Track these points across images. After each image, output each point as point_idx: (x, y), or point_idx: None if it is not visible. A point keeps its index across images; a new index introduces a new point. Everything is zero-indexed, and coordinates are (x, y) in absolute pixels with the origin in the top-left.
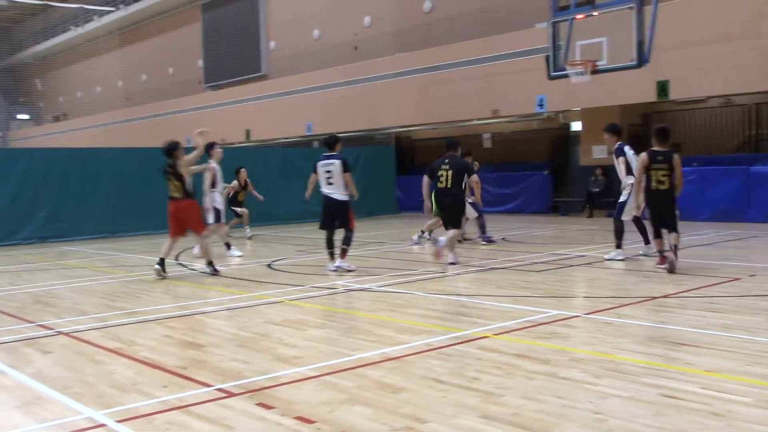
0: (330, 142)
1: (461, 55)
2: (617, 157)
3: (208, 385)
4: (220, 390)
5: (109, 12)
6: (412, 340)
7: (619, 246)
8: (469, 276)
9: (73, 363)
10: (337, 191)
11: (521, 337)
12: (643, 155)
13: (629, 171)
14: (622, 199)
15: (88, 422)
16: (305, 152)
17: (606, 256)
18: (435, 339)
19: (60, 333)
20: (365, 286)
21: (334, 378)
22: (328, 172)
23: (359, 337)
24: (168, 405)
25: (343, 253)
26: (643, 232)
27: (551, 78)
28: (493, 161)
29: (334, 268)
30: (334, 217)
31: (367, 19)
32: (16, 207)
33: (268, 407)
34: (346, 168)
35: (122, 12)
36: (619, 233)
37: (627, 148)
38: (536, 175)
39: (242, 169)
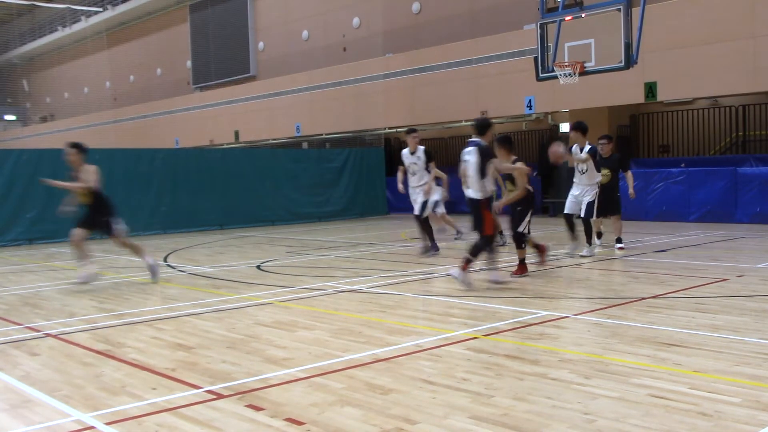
0: (480, 125)
1: (450, 57)
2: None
3: (198, 387)
4: (209, 392)
5: (96, 12)
6: (401, 341)
7: (589, 242)
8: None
9: (62, 365)
10: (470, 186)
11: (511, 337)
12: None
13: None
14: (590, 199)
15: (76, 425)
16: (294, 153)
17: (580, 253)
18: (425, 340)
19: (48, 335)
20: (355, 287)
21: (323, 379)
22: (465, 161)
23: (349, 338)
24: (157, 407)
25: (465, 263)
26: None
27: (540, 79)
28: None
29: (453, 275)
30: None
31: (356, 20)
32: (3, 208)
33: (257, 409)
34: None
35: (110, 12)
36: (588, 231)
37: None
38: None
39: None
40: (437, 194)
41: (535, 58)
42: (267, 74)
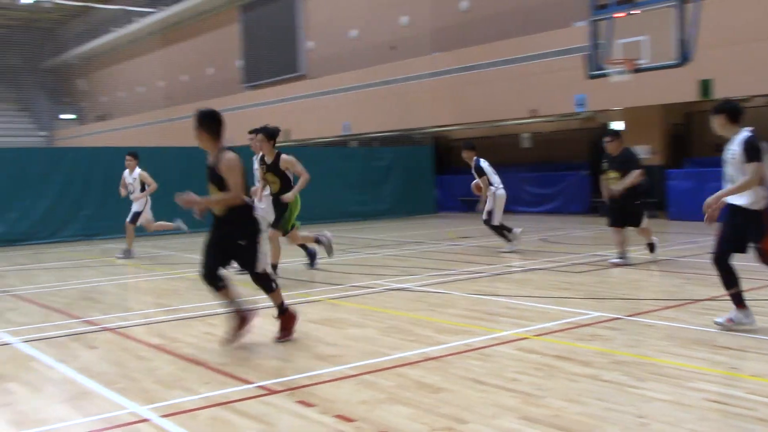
0: (729, 110)
1: (498, 55)
2: (479, 173)
3: (250, 382)
4: (261, 387)
5: (150, 13)
6: (451, 340)
7: (509, 240)
8: (508, 276)
9: (118, 358)
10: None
11: (562, 338)
12: None
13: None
14: (489, 207)
15: (132, 417)
16: (342, 151)
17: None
18: (474, 339)
19: (105, 329)
20: (403, 285)
21: (373, 377)
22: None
23: (398, 336)
24: (210, 401)
25: (736, 301)
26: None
27: (590, 77)
28: (531, 161)
29: (729, 321)
30: (742, 234)
31: (404, 19)
32: (62, 205)
33: (308, 405)
34: (751, 155)
35: (163, 13)
36: (500, 231)
37: (483, 162)
38: (575, 175)
39: None
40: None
41: (586, 56)
42: (316, 73)
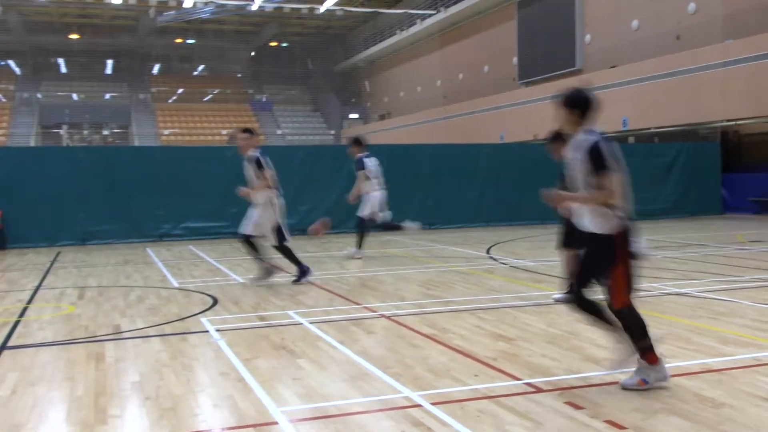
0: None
1: None
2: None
3: (517, 379)
4: (528, 384)
5: (431, 15)
6: (737, 352)
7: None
8: None
9: (394, 345)
10: None
11: None
12: None
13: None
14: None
15: (406, 401)
16: (620, 148)
17: None
18: (764, 354)
19: (382, 316)
20: (683, 290)
21: None
22: None
23: (676, 344)
24: (478, 393)
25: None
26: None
27: None
28: None
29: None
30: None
31: (692, 6)
32: (345, 199)
33: (576, 407)
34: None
35: (443, 14)
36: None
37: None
38: None
39: None
40: None
41: None
42: (593, 67)
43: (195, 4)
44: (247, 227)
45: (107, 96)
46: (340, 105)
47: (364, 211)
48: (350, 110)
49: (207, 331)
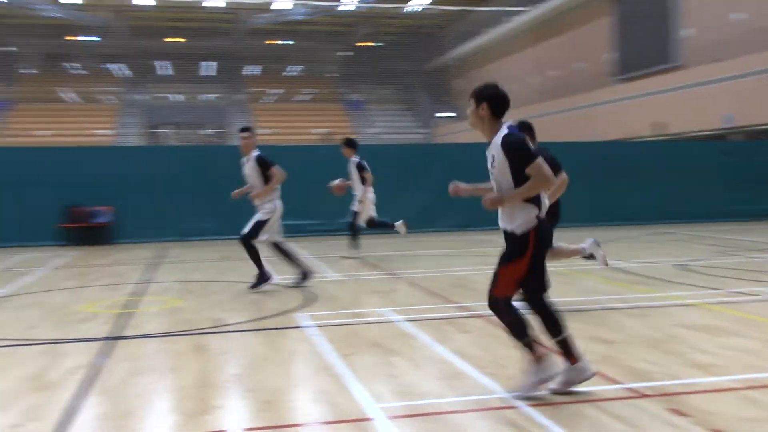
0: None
1: None
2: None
3: (618, 383)
4: (629, 389)
5: (523, 12)
6: None
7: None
8: None
9: (488, 345)
10: None
11: None
12: None
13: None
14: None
15: (500, 402)
16: (723, 146)
17: None
18: None
19: (476, 315)
20: None
21: (757, 393)
22: None
23: None
24: (577, 397)
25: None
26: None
27: None
28: None
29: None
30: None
31: None
32: (440, 197)
33: (681, 414)
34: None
35: (535, 11)
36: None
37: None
38: None
39: None
40: None
41: None
42: (693, 63)
43: (289, 6)
44: (262, 235)
45: (205, 97)
46: (431, 103)
47: (370, 213)
48: (442, 109)
49: (304, 327)
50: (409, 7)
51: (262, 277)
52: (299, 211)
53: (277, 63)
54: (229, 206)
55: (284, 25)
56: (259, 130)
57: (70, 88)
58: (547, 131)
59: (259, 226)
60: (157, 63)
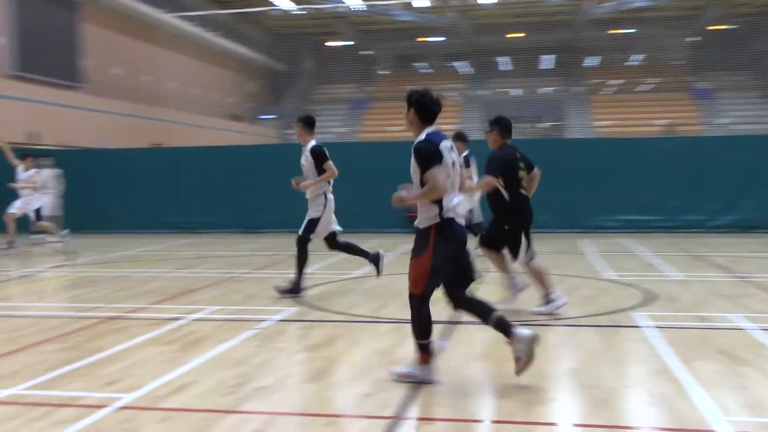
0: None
1: None
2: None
3: None
4: None
5: None
6: None
7: None
8: None
9: None
10: None
11: None
12: None
13: None
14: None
15: None
16: None
17: None
18: None
19: None
20: None
21: None
22: None
23: None
24: None
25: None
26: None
27: None
28: None
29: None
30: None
31: None
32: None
33: None
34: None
35: None
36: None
37: None
38: None
39: None
40: None
41: None
42: None
43: None
44: (318, 232)
45: (543, 90)
46: None
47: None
48: None
49: (642, 327)
50: None
51: (296, 287)
52: (640, 206)
53: (618, 53)
54: (563, 199)
55: (627, 13)
56: (597, 123)
57: (417, 86)
58: None
59: (312, 224)
60: (498, 59)
